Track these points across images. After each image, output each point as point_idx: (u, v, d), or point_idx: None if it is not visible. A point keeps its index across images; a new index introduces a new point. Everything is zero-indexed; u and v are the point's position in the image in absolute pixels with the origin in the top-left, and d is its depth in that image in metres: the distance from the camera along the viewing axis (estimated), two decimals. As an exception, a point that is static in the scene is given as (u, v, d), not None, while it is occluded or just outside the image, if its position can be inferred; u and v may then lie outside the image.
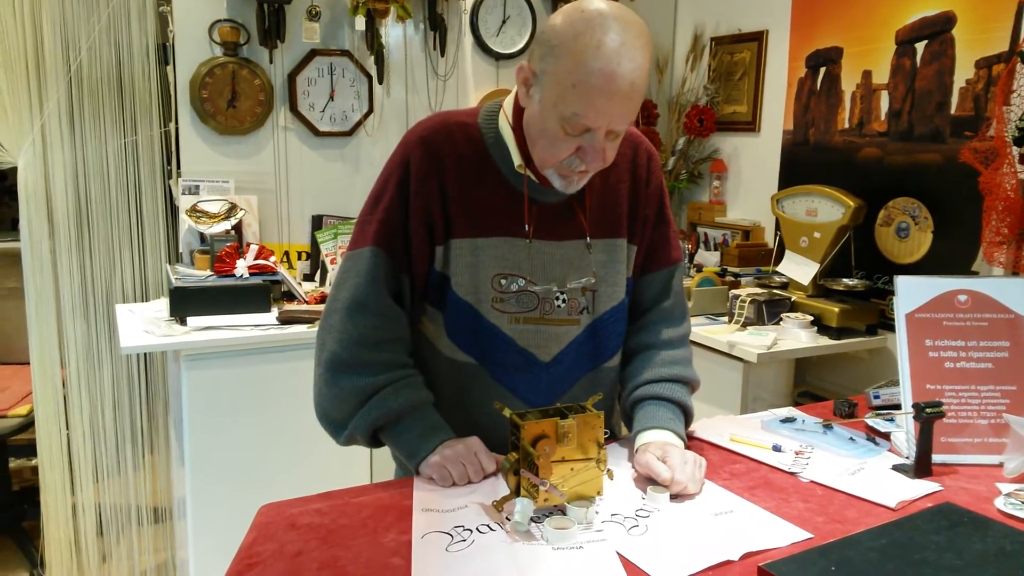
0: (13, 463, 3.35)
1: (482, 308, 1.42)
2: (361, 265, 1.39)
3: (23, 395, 3.05)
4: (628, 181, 1.49)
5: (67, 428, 2.91)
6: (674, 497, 1.31)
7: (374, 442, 1.43)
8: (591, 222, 1.46)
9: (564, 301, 1.45)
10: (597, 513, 1.26)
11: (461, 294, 1.41)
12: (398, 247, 1.39)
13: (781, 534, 1.21)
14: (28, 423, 2.94)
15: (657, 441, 1.41)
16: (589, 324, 1.48)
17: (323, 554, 1.13)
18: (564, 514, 1.24)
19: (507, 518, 1.22)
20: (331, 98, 3.06)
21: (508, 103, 1.42)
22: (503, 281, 1.42)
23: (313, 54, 3.00)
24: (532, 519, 1.22)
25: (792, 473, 1.45)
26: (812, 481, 1.41)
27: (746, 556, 1.14)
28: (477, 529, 1.21)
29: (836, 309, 2.62)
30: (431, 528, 1.21)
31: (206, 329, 2.41)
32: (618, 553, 1.14)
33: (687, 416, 1.52)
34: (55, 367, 2.87)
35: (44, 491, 2.89)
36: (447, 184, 1.38)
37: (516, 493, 1.24)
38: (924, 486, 1.39)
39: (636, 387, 1.53)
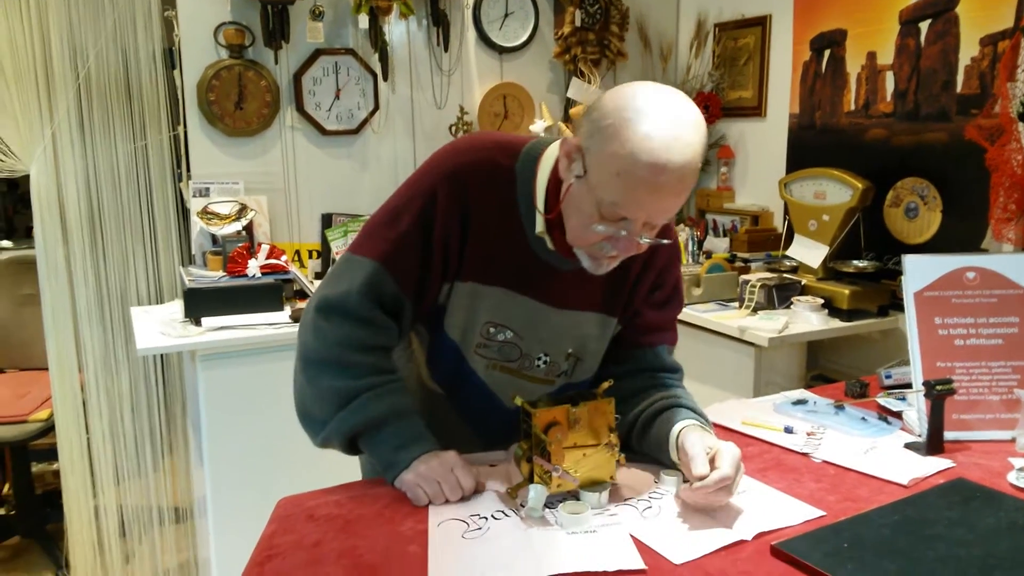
0: (35, 467, 3.39)
1: (466, 351, 1.41)
2: (358, 275, 1.32)
3: (43, 400, 3.09)
4: (638, 269, 1.42)
5: (87, 432, 2.95)
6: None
7: (351, 448, 1.36)
8: (595, 296, 1.41)
9: (545, 363, 1.43)
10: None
11: (450, 333, 1.39)
12: (408, 273, 1.32)
13: (794, 513, 1.22)
14: (48, 427, 2.98)
15: (708, 437, 1.30)
16: (562, 386, 1.47)
17: (341, 544, 1.15)
18: (578, 499, 1.25)
19: (521, 505, 1.24)
20: (337, 97, 3.07)
21: (549, 156, 1.32)
22: (492, 329, 1.39)
23: (318, 53, 3.02)
24: (546, 505, 1.23)
25: (804, 454, 1.45)
26: (824, 461, 1.42)
27: (759, 535, 1.15)
28: (492, 516, 1.22)
29: (847, 291, 2.61)
30: (447, 516, 1.22)
31: (220, 329, 2.43)
32: (632, 536, 1.16)
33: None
34: (73, 372, 2.90)
35: (66, 494, 2.93)
36: (470, 227, 1.32)
37: (529, 480, 1.25)
38: (936, 463, 1.40)
39: (657, 400, 1.41)
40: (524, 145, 1.35)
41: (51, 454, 3.06)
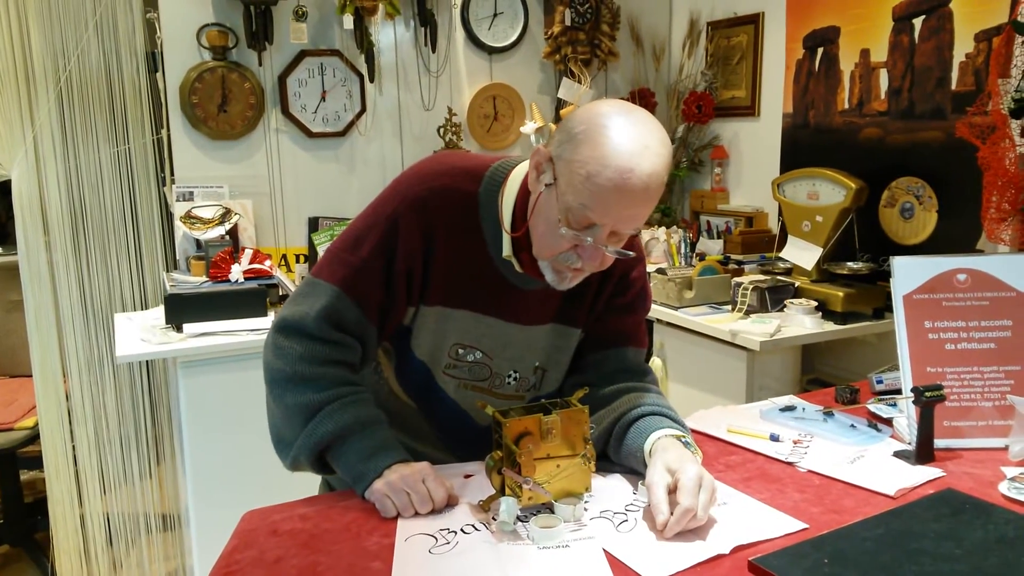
0: (25, 475, 3.35)
1: (435, 371, 1.40)
2: (319, 299, 1.31)
3: (29, 407, 3.05)
4: (598, 279, 1.41)
5: (72, 439, 2.91)
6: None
7: (321, 466, 1.32)
8: (558, 309, 1.42)
9: (515, 379, 1.44)
10: (586, 510, 1.23)
11: (418, 354, 1.39)
12: (369, 299, 1.32)
13: (774, 525, 1.17)
14: (35, 435, 2.94)
15: (673, 451, 1.25)
16: (531, 399, 1.47)
17: (303, 560, 1.11)
18: (552, 512, 1.21)
19: (493, 518, 1.19)
20: (323, 99, 3.03)
21: (515, 177, 1.33)
22: (460, 351, 1.39)
23: (303, 55, 2.98)
24: (519, 518, 1.19)
25: (790, 463, 1.41)
26: (810, 471, 1.38)
27: (737, 549, 1.11)
28: (462, 530, 1.18)
29: (840, 293, 2.56)
30: (415, 531, 1.18)
31: (202, 336, 2.39)
32: (605, 551, 1.11)
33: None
34: (57, 378, 2.87)
35: (52, 502, 2.89)
36: (434, 252, 1.32)
37: (501, 492, 1.21)
38: (925, 472, 1.35)
39: (631, 409, 1.38)
40: (487, 169, 1.36)
41: (40, 462, 3.02)
